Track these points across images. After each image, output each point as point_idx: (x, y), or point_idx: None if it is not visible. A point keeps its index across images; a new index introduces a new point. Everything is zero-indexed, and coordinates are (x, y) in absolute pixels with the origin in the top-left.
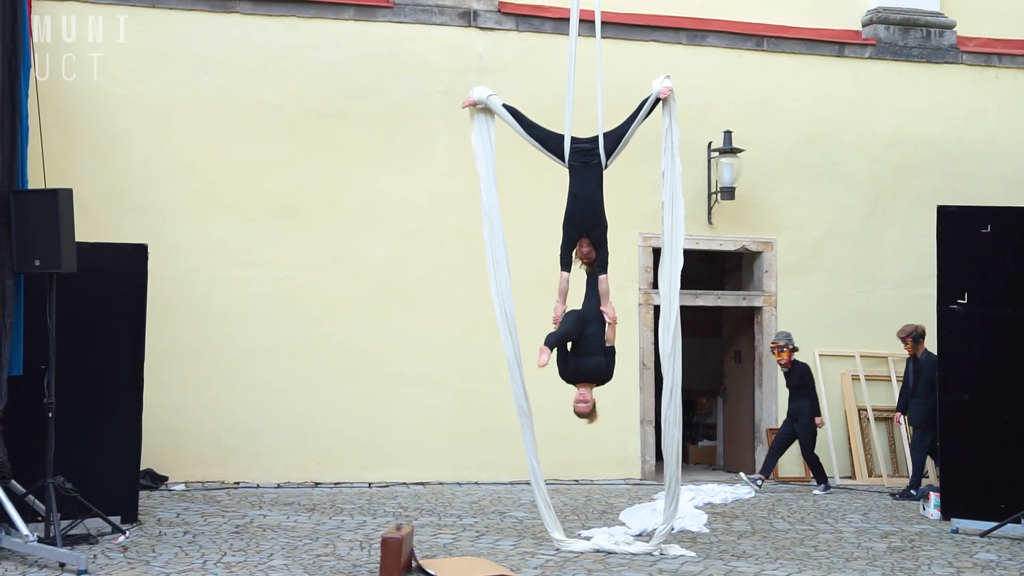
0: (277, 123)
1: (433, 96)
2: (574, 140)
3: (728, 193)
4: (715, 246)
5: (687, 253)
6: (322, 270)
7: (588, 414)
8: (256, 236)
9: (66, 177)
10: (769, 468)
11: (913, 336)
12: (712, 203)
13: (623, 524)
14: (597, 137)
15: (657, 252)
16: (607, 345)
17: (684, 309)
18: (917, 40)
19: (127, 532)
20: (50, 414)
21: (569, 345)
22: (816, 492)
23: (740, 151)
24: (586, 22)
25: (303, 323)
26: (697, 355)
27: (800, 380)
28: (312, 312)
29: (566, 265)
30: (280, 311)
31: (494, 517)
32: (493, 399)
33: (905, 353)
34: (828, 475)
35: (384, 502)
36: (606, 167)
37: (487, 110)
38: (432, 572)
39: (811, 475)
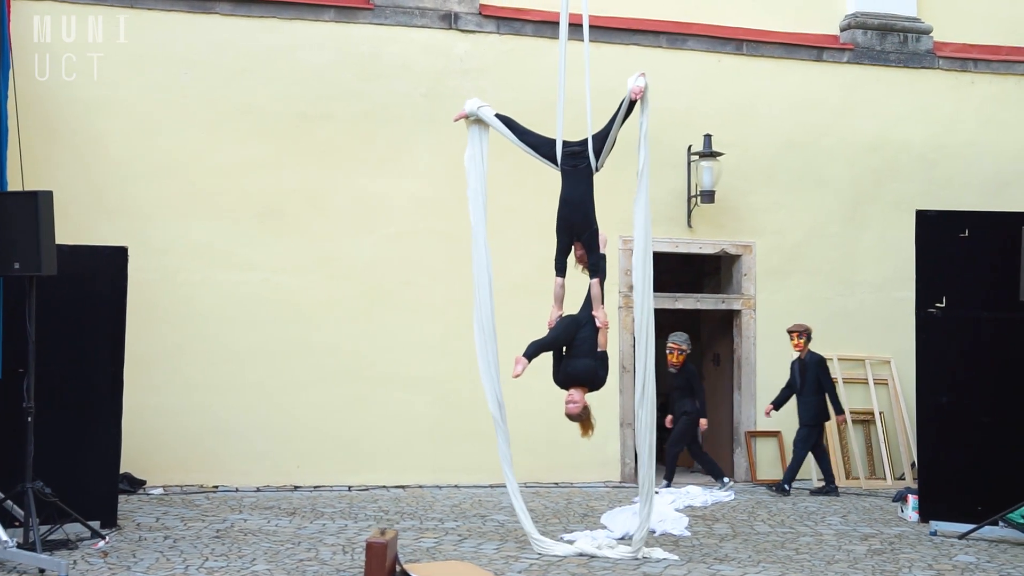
0: (258, 125)
1: (414, 98)
2: (565, 144)
3: (708, 196)
4: (694, 249)
5: (666, 256)
6: (304, 272)
7: (579, 416)
8: (237, 238)
9: (46, 179)
10: (715, 469)
11: (808, 334)
12: (692, 206)
13: (605, 527)
14: (586, 140)
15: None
16: (599, 350)
17: (663, 312)
18: (894, 45)
19: (107, 537)
20: (29, 418)
21: (564, 349)
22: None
23: (720, 155)
24: (570, 26)
25: (283, 326)
26: None
27: (686, 382)
28: (292, 315)
29: (561, 270)
30: (260, 314)
31: (476, 521)
32: (474, 402)
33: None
34: (805, 477)
35: (364, 505)
36: (597, 169)
37: (480, 122)
38: None
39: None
